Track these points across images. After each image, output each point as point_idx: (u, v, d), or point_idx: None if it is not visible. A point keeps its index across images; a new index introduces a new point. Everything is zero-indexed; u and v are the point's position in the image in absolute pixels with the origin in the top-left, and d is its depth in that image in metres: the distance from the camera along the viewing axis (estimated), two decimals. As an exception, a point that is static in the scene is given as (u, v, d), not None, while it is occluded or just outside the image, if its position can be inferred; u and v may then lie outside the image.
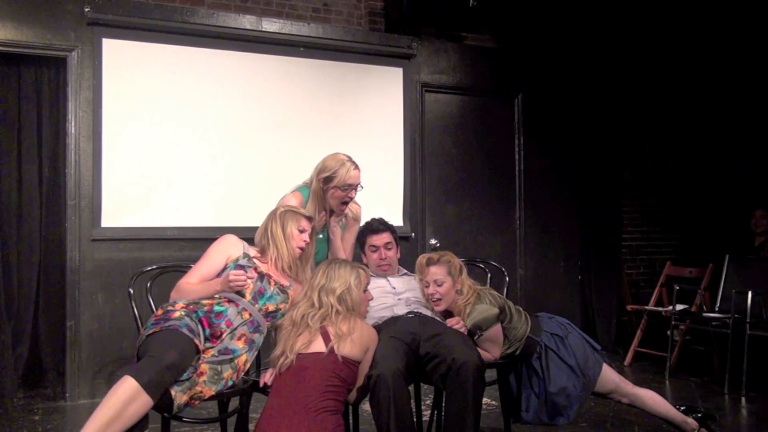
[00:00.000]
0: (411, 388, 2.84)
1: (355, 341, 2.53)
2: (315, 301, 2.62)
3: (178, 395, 2.28)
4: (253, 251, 2.86)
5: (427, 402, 3.89)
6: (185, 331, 2.38)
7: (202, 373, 2.39)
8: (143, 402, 2.18)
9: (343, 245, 3.27)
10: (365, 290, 2.76)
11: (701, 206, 6.47)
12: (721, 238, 5.96)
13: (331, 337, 2.51)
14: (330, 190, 3.08)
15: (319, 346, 2.51)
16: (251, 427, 2.65)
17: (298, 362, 2.47)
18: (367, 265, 3.27)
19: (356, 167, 3.12)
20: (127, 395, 2.16)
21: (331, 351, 2.48)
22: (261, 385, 2.58)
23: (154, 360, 2.25)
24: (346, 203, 3.15)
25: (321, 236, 3.21)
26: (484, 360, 2.72)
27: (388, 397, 2.46)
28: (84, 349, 4.31)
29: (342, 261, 2.80)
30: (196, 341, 2.39)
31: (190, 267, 2.83)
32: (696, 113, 6.48)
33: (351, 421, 2.90)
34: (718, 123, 6.44)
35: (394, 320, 2.92)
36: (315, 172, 3.14)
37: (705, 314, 4.97)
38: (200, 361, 2.40)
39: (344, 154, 3.15)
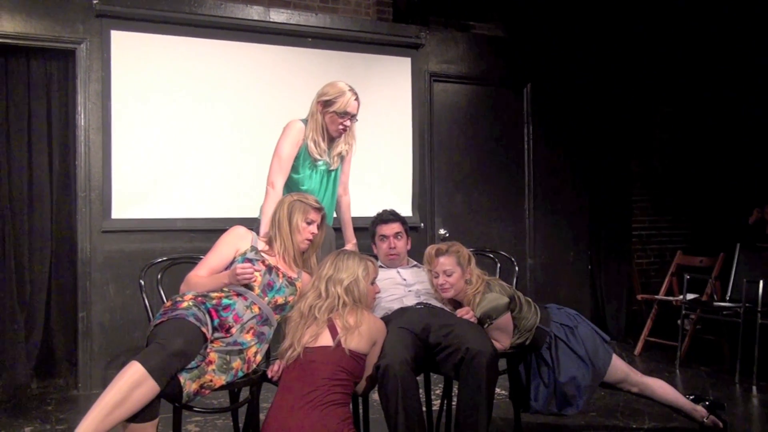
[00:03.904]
0: (420, 378, 2.85)
1: (362, 334, 2.53)
2: (322, 292, 2.62)
3: (188, 383, 2.30)
4: (261, 243, 2.86)
5: (437, 392, 3.90)
6: (192, 319, 2.39)
7: (210, 362, 2.40)
8: (149, 387, 2.19)
9: (343, 177, 3.46)
10: (372, 283, 2.76)
11: (712, 195, 6.43)
12: (732, 227, 5.92)
13: (338, 331, 2.51)
14: (328, 114, 3.17)
15: (326, 339, 2.51)
16: (262, 417, 2.66)
17: (305, 356, 2.47)
18: (376, 256, 3.29)
19: (357, 98, 3.22)
20: (133, 380, 2.17)
21: (338, 345, 2.48)
22: (270, 376, 2.59)
23: (160, 346, 2.26)
24: (342, 129, 3.23)
25: (321, 165, 3.26)
26: (497, 350, 2.73)
27: (397, 388, 2.47)
28: (96, 339, 4.35)
29: (351, 252, 2.79)
30: (203, 329, 2.40)
31: (200, 258, 2.84)
32: (706, 102, 6.43)
33: (361, 410, 2.91)
34: (728, 111, 6.38)
35: (403, 311, 2.93)
36: (316, 95, 3.23)
37: (716, 303, 4.95)
38: (209, 350, 2.41)
39: (345, 83, 3.23)
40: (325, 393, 2.38)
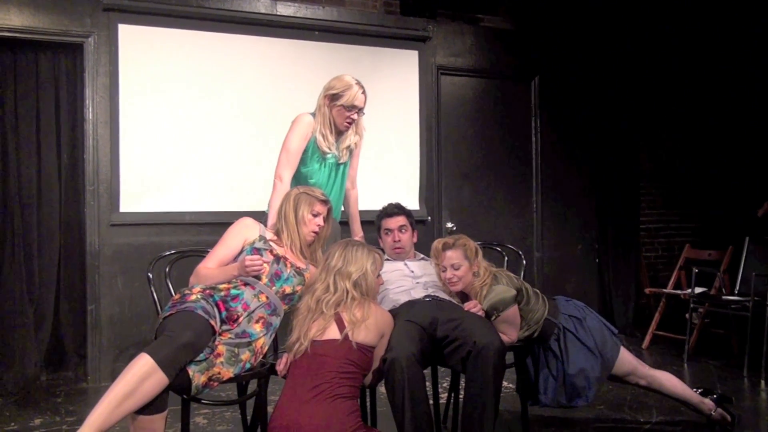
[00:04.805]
0: (428, 371, 2.85)
1: (369, 327, 2.53)
2: (330, 285, 2.61)
3: (196, 375, 2.31)
4: (269, 234, 2.87)
5: (444, 385, 3.90)
6: (200, 312, 2.40)
7: (219, 355, 2.41)
8: (158, 379, 2.20)
9: (351, 171, 3.47)
10: (378, 276, 2.75)
11: (720, 187, 6.39)
12: (741, 220, 5.89)
13: (346, 324, 2.51)
14: (335, 108, 3.18)
15: (333, 333, 2.50)
16: (270, 409, 2.67)
17: (313, 349, 2.48)
18: (383, 250, 3.29)
19: (363, 91, 3.22)
20: (142, 372, 2.18)
21: (346, 338, 2.48)
22: (278, 370, 2.59)
23: (169, 339, 2.27)
24: (349, 123, 3.24)
25: (329, 159, 3.25)
26: (504, 343, 2.73)
27: (403, 381, 2.47)
28: (105, 332, 4.37)
29: (360, 243, 2.77)
30: (212, 322, 2.41)
31: (208, 251, 2.84)
32: (715, 94, 6.38)
33: (368, 403, 2.92)
34: (736, 104, 6.34)
35: (411, 304, 2.93)
36: (323, 89, 3.23)
37: (724, 297, 4.93)
38: (217, 342, 2.42)
39: (352, 77, 3.23)
40: (333, 386, 2.38)
